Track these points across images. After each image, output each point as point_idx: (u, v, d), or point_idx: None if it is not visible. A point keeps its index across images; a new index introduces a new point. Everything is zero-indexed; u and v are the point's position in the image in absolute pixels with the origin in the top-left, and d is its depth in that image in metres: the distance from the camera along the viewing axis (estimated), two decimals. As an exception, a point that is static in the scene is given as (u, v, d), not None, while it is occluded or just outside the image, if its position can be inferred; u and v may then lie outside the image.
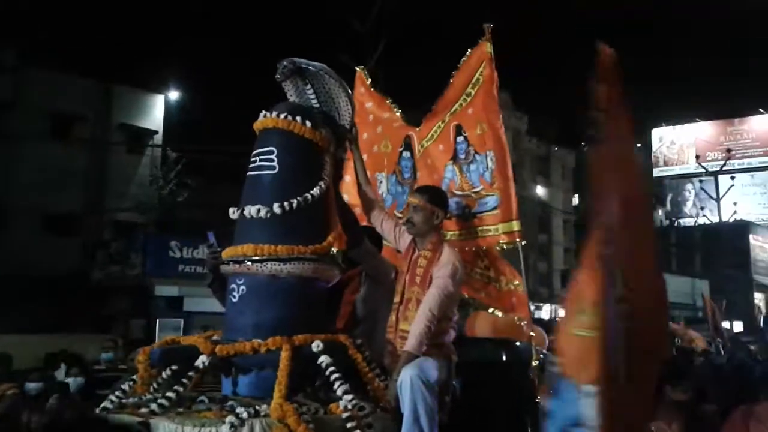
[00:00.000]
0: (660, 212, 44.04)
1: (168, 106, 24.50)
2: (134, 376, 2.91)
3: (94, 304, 17.64)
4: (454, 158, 4.38)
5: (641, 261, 1.59)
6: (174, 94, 24.54)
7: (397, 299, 3.46)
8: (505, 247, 4.08)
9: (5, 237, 19.57)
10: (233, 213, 3.13)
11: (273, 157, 3.11)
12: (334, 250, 3.31)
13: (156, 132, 24.08)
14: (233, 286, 3.02)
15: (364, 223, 3.83)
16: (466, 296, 4.17)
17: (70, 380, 5.05)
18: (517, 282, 4.04)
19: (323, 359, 2.73)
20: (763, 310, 34.33)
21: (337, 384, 2.68)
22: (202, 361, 2.69)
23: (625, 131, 1.86)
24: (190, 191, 22.56)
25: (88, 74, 22.36)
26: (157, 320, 16.08)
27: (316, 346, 2.75)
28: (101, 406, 2.69)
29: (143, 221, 22.15)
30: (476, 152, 4.28)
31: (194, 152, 22.42)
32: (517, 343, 3.89)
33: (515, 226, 4.09)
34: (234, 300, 2.99)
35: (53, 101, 21.07)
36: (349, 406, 2.58)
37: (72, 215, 21.22)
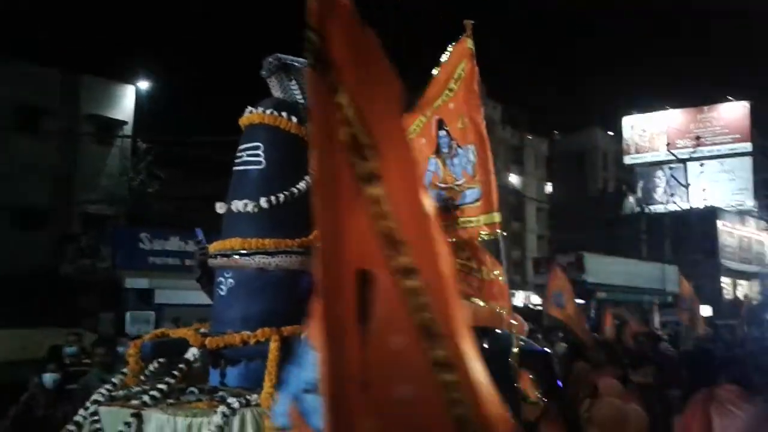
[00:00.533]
0: (631, 199, 44.75)
1: (138, 96, 24.13)
2: (124, 369, 2.92)
3: (64, 298, 17.39)
4: (437, 152, 4.44)
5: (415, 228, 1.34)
6: (144, 84, 24.15)
7: None
8: (486, 238, 4.17)
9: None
10: (220, 207, 3.15)
11: (259, 152, 3.14)
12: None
13: (126, 123, 23.68)
14: (221, 279, 3.05)
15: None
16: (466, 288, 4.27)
17: (46, 376, 5.05)
18: (497, 272, 4.13)
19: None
20: (740, 296, 35.08)
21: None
22: (192, 353, 2.71)
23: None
24: (160, 183, 22.29)
25: (56, 65, 21.94)
26: (127, 313, 15.93)
27: (306, 337, 2.78)
28: (92, 399, 2.70)
29: (113, 213, 21.86)
30: (458, 146, 4.35)
31: (165, 143, 22.16)
32: (498, 331, 3.96)
33: (496, 217, 4.20)
34: (222, 293, 3.02)
35: (20, 93, 20.66)
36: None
37: (41, 209, 20.88)
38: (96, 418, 2.64)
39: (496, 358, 3.74)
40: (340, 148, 1.33)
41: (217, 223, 3.22)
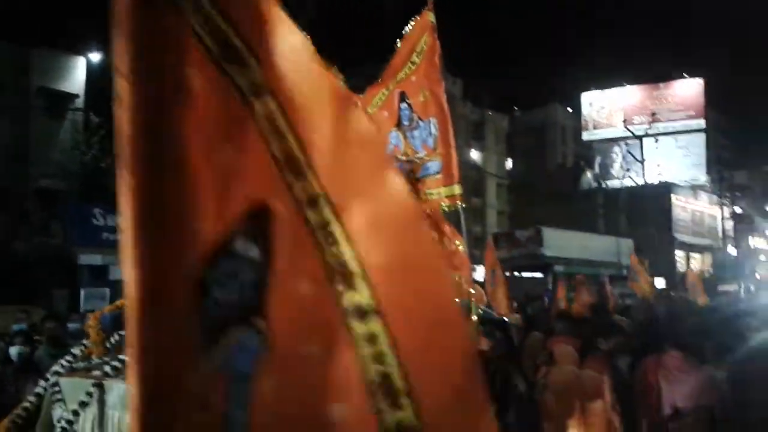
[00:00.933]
0: (589, 175, 45.55)
1: (90, 68, 23.42)
2: (84, 341, 2.89)
3: (17, 276, 16.95)
4: (399, 125, 4.48)
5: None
6: (96, 56, 23.43)
7: None
8: (447, 209, 4.24)
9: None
10: None
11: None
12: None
13: (77, 96, 23.04)
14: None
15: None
16: None
17: (13, 350, 4.99)
18: (458, 242, 4.21)
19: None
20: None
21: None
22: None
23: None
24: (114, 157, 21.77)
25: (4, 37, 21.15)
26: (82, 290, 15.64)
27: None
28: (52, 370, 2.68)
29: (66, 188, 21.32)
30: (420, 119, 4.39)
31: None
32: (457, 300, 4.04)
33: (456, 189, 4.27)
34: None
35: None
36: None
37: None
38: (57, 389, 2.61)
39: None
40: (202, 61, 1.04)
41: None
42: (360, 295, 1.05)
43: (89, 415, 2.44)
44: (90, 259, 17.01)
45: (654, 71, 48.84)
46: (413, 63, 4.42)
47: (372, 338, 1.04)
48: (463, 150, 36.69)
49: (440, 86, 4.37)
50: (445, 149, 4.28)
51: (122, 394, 2.43)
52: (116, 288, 15.76)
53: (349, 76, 4.92)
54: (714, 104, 46.99)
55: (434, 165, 4.31)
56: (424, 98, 4.37)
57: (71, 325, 9.26)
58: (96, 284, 15.95)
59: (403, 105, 4.47)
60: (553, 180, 45.16)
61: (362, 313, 1.04)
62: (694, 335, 4.58)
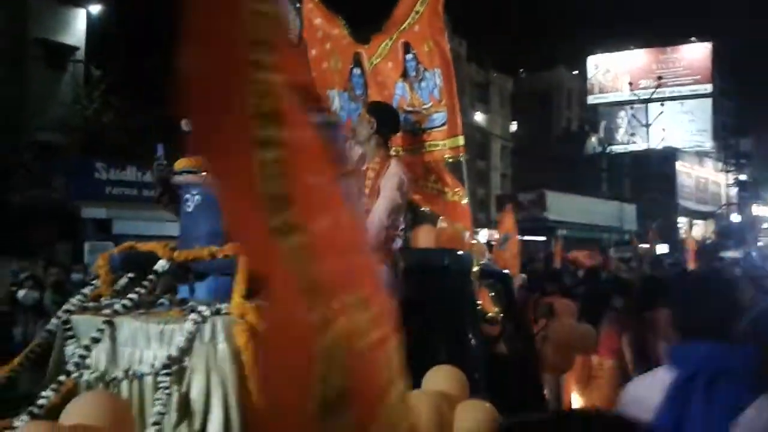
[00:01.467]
0: (593, 139, 45.36)
1: (90, 20, 23.10)
2: (94, 281, 2.95)
3: (14, 228, 16.93)
4: (404, 75, 4.45)
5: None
6: (96, 8, 23.09)
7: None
8: (450, 161, 4.25)
9: None
10: (186, 125, 3.12)
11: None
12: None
13: (77, 48, 22.73)
14: (188, 196, 3.05)
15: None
16: (424, 208, 4.42)
17: (21, 292, 5.09)
18: (458, 191, 4.22)
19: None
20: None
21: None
22: (161, 265, 2.74)
23: None
24: (115, 111, 21.57)
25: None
26: (86, 243, 15.70)
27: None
28: (63, 308, 2.74)
29: (67, 143, 21.21)
30: (425, 69, 4.36)
31: (119, 71, 21.34)
32: (459, 252, 4.09)
33: (460, 141, 4.28)
34: (189, 210, 3.03)
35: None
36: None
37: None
38: (69, 326, 2.68)
39: (457, 276, 3.89)
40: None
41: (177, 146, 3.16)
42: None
43: (101, 350, 2.51)
44: (93, 212, 17.07)
45: (662, 35, 48.13)
46: (417, 12, 4.38)
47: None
48: (467, 111, 36.54)
49: (443, 36, 4.33)
50: (450, 100, 4.25)
51: (132, 331, 2.49)
52: (120, 242, 15.76)
53: (355, 27, 4.87)
54: (721, 70, 46.40)
55: (440, 116, 4.30)
56: (428, 48, 4.33)
57: (74, 276, 9.36)
58: (100, 237, 16.03)
59: (408, 56, 4.44)
60: (558, 144, 44.96)
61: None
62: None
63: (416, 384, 2.47)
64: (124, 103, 21.00)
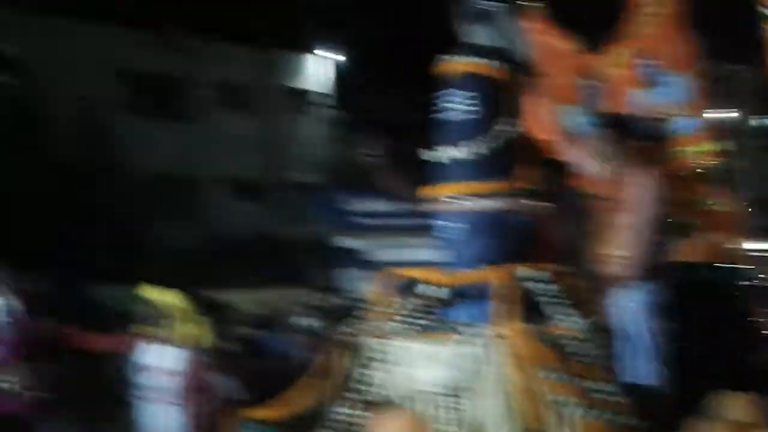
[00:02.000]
0: None
1: (337, 68, 25.48)
2: (364, 305, 3.31)
3: (284, 260, 19.07)
4: (639, 82, 4.32)
5: None
6: (339, 56, 25.39)
7: (597, 225, 3.58)
8: (704, 168, 4.02)
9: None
10: (427, 155, 3.37)
11: (465, 99, 3.30)
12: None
13: (324, 94, 25.18)
14: (445, 224, 3.30)
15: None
16: (688, 220, 4.22)
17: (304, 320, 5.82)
18: (719, 199, 3.97)
19: (545, 287, 2.94)
20: None
21: (558, 308, 2.85)
22: (433, 289, 3.01)
23: None
24: (360, 149, 23.31)
25: (256, 43, 23.42)
26: (343, 270, 17.21)
27: (538, 275, 2.96)
28: (340, 329, 3.12)
29: (321, 181, 23.48)
30: (666, 74, 4.20)
31: (359, 110, 23.23)
32: (719, 265, 3.82)
33: (711, 146, 4.05)
34: (449, 237, 3.27)
35: (222, 73, 22.60)
36: (571, 325, 2.76)
37: (256, 180, 23.02)
38: (354, 348, 3.03)
39: (720, 294, 3.65)
40: None
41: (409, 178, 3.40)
42: None
43: (382, 369, 2.81)
44: (346, 242, 18.67)
45: None
46: (651, 15, 4.23)
47: None
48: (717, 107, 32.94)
49: (686, 38, 4.13)
50: (697, 104, 4.05)
51: (412, 352, 2.76)
52: (369, 268, 17.04)
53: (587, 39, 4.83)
54: None
55: (684, 121, 4.10)
56: (668, 52, 4.17)
57: (335, 300, 10.36)
58: (352, 265, 17.45)
59: (644, 61, 4.30)
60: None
61: None
62: None
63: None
64: (367, 140, 22.69)
